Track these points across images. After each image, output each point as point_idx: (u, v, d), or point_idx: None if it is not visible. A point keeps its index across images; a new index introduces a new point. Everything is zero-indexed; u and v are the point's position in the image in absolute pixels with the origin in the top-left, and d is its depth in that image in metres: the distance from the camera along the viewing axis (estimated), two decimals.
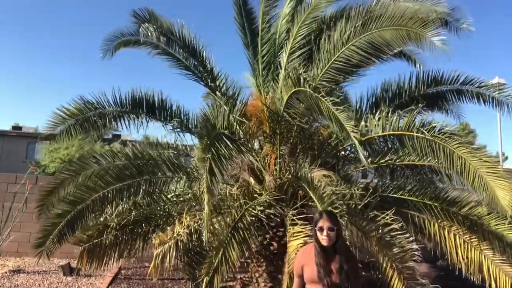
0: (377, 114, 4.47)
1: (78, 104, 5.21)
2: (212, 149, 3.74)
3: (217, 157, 3.72)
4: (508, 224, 4.20)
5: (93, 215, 4.92)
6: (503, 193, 3.37)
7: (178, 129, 5.70)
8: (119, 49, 5.72)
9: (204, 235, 3.99)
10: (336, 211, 3.59)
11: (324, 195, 3.84)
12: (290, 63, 5.09)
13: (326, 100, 3.66)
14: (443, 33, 3.96)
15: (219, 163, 3.72)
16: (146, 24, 5.47)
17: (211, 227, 4.43)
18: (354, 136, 3.47)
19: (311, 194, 4.04)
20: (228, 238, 3.90)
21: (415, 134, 4.00)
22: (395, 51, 4.73)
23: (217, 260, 3.77)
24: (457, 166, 3.72)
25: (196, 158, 4.63)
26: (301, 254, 2.76)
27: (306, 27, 5.17)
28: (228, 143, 4.00)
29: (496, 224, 4.28)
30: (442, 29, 4.40)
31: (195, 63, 5.59)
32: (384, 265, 3.75)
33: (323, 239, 2.56)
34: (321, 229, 2.57)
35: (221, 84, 5.56)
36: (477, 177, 3.57)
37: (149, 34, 5.43)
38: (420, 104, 4.56)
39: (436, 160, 3.98)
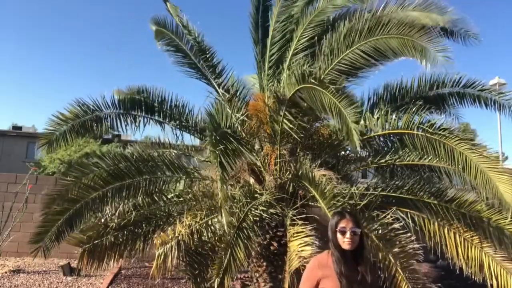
0: (376, 113, 4.48)
1: (74, 108, 5.19)
2: (221, 145, 3.76)
3: (225, 152, 3.75)
4: (509, 219, 4.17)
5: (92, 213, 4.91)
6: (506, 187, 3.35)
7: (178, 129, 5.70)
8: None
9: (204, 235, 3.99)
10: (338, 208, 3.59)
11: (326, 190, 3.85)
12: (293, 64, 5.10)
13: (328, 90, 3.65)
14: (447, 45, 3.99)
15: (228, 158, 3.73)
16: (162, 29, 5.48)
17: (211, 227, 4.44)
18: (353, 121, 3.47)
19: (313, 191, 4.05)
20: (234, 238, 3.91)
21: (415, 132, 4.02)
22: (400, 59, 4.73)
23: (225, 261, 3.78)
24: (458, 163, 3.74)
25: (208, 152, 4.64)
26: (316, 266, 2.36)
27: (311, 29, 5.14)
28: (233, 140, 4.03)
29: (497, 219, 4.25)
30: (447, 40, 4.43)
31: (201, 60, 5.58)
32: (386, 264, 3.74)
33: (345, 241, 2.24)
34: (343, 232, 2.26)
35: (224, 81, 5.56)
36: (479, 173, 3.58)
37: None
38: (419, 103, 4.57)
39: (437, 158, 3.98)
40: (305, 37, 5.17)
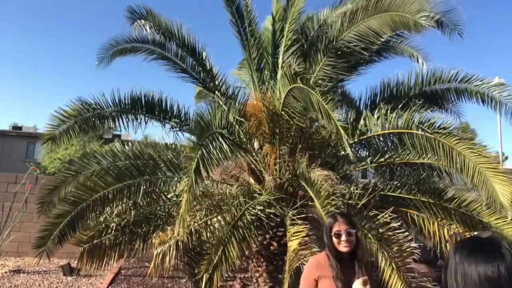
0: (376, 113, 4.47)
1: (76, 105, 5.18)
2: (203, 149, 3.71)
3: (206, 157, 3.69)
4: (510, 218, 4.16)
5: (94, 215, 4.92)
6: (502, 188, 3.35)
7: (178, 129, 5.70)
8: (115, 57, 5.62)
9: (203, 235, 3.97)
10: (333, 208, 3.59)
11: (320, 190, 3.84)
12: (286, 60, 5.13)
13: (315, 91, 3.67)
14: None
15: (208, 164, 3.67)
16: (142, 21, 5.38)
17: (211, 227, 4.44)
18: (341, 126, 3.48)
19: (309, 191, 4.04)
20: (228, 236, 3.90)
21: (414, 131, 4.01)
22: (382, 40, 4.75)
23: (216, 257, 3.76)
24: (456, 162, 3.72)
25: (183, 155, 4.58)
26: (314, 266, 2.36)
27: (294, 21, 5.24)
28: (223, 143, 3.98)
29: (496, 219, 4.25)
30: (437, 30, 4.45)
31: (194, 63, 5.56)
32: (383, 264, 3.74)
33: (342, 244, 2.22)
34: (338, 235, 2.23)
35: (220, 84, 5.55)
36: (476, 173, 3.57)
37: (145, 32, 5.35)
38: (418, 101, 4.57)
39: (435, 157, 3.97)
40: (291, 30, 5.26)
